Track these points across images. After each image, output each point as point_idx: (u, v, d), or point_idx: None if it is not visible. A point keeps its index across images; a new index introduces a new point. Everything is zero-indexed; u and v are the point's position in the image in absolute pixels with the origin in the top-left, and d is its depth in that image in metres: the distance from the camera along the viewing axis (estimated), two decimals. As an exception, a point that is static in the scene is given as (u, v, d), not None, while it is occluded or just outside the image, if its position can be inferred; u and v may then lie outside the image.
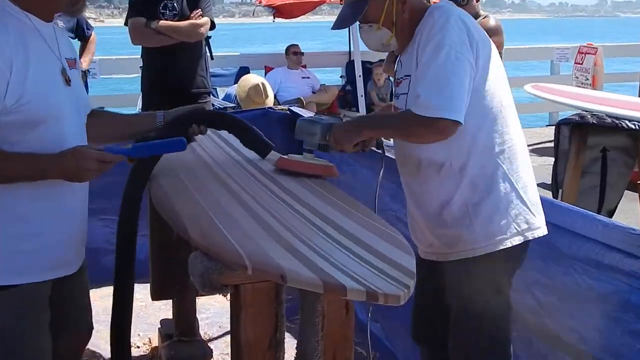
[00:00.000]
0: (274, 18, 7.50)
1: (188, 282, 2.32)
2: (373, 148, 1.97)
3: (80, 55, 4.41)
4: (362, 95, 6.38)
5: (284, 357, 1.43)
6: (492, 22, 3.98)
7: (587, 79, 6.92)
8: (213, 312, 3.09)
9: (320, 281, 1.20)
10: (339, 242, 1.39)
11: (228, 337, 2.40)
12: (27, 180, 1.50)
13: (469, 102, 1.66)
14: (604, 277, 1.77)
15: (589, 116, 3.72)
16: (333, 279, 1.21)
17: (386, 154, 1.94)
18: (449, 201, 1.75)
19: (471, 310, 1.75)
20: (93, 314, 1.83)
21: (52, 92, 1.53)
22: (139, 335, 2.85)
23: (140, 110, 5.00)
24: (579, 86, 6.72)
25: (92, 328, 1.81)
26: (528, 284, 1.98)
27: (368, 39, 1.85)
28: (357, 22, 1.81)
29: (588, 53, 7.00)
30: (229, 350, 2.02)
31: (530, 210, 1.77)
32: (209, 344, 2.57)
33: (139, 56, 3.73)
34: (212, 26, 3.56)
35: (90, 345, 2.37)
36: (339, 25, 1.80)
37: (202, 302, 2.85)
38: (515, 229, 1.74)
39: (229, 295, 1.43)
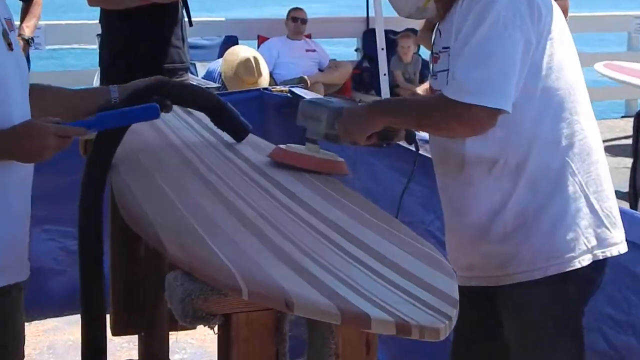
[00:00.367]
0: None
1: (160, 311, 2.38)
2: (402, 142, 1.98)
3: (22, 20, 4.43)
4: (384, 74, 6.38)
5: (286, 408, 1.44)
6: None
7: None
8: (191, 353, 3.10)
9: (336, 309, 1.20)
10: (358, 259, 1.40)
11: (210, 385, 2.42)
12: None
13: (527, 83, 1.67)
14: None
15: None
16: (353, 307, 1.21)
17: (420, 150, 1.95)
18: (502, 208, 1.76)
19: (529, 351, 1.76)
20: (36, 352, 1.84)
21: None
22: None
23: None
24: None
25: None
26: (597, 320, 1.99)
27: (398, 2, 1.86)
28: None
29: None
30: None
31: (604, 222, 1.77)
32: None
33: (97, 21, 3.75)
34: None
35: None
36: None
37: (176, 338, 2.85)
38: (585, 244, 1.75)
39: (216, 328, 1.44)
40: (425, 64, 7.38)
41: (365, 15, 7.52)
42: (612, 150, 6.14)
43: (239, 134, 2.16)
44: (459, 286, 1.87)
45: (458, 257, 1.89)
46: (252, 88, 5.02)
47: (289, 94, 4.07)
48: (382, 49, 6.50)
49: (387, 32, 6.80)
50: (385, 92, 6.07)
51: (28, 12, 4.59)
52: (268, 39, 7.07)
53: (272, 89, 4.18)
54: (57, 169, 2.34)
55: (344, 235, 1.51)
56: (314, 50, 7.08)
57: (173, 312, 1.40)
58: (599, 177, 1.79)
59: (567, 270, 1.74)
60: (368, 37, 7.33)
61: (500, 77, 1.63)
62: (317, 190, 1.82)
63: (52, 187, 2.15)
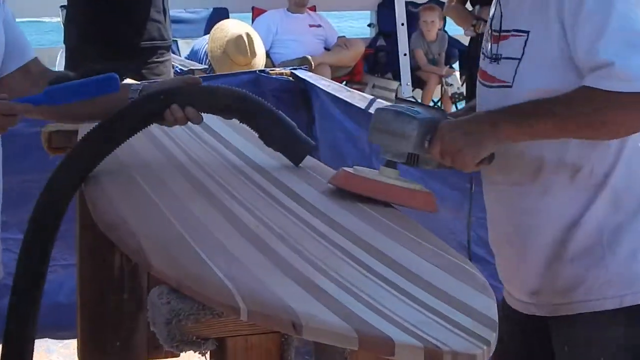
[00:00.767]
0: None
1: (138, 333, 2.39)
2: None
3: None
4: (405, 54, 6.39)
5: None
6: None
7: None
8: (172, 386, 3.10)
9: (353, 332, 1.21)
10: (379, 274, 1.40)
11: None
12: None
13: None
14: None
15: None
16: (373, 329, 1.21)
17: None
18: (577, 222, 1.77)
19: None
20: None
21: None
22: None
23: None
24: None
25: None
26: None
27: None
28: None
29: None
30: None
31: None
32: None
33: (62, -11, 3.77)
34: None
35: None
36: None
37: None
38: None
39: (208, 355, 1.44)
40: (452, 42, 7.41)
41: (380, -17, 7.55)
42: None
43: (295, 154, 1.99)
44: (511, 311, 1.91)
45: (518, 281, 1.90)
46: (245, 70, 5.04)
47: (290, 78, 4.09)
48: (402, 24, 6.50)
49: (407, 3, 6.82)
50: (406, 76, 6.07)
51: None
52: (265, 11, 7.10)
53: (270, 72, 4.20)
54: (17, 166, 2.35)
55: (361, 246, 1.52)
56: (320, 26, 7.10)
57: (157, 335, 1.41)
58: None
59: None
60: (384, 10, 7.36)
61: None
62: (327, 193, 1.83)
63: (9, 188, 2.15)
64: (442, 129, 1.75)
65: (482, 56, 1.89)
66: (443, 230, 2.60)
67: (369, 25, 7.82)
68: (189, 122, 1.93)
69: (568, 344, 1.82)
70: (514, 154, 1.81)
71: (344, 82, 6.73)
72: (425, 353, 1.18)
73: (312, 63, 6.55)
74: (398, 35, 6.43)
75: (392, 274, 1.41)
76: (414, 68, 6.84)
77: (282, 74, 4.11)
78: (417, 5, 7.15)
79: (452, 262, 1.49)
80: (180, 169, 1.97)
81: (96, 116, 1.92)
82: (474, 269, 1.48)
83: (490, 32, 1.86)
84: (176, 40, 6.47)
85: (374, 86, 7.19)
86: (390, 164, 1.82)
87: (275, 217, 1.65)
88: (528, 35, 1.74)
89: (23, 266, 1.86)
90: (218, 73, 5.37)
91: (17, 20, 2.08)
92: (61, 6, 3.80)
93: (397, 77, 6.80)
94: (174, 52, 5.76)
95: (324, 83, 4.08)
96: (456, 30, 6.53)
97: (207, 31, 6.57)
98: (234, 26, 6.24)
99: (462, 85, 7.09)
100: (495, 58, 1.82)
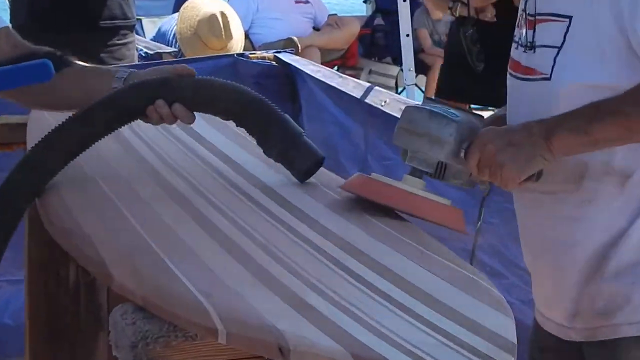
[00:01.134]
0: None
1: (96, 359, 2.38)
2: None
3: None
4: (407, 35, 6.38)
5: None
6: None
7: None
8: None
9: (349, 356, 1.21)
10: (378, 290, 1.41)
11: None
12: None
13: None
14: None
15: None
16: (372, 353, 1.22)
17: None
18: (624, 234, 1.79)
19: None
20: None
21: None
22: None
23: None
24: None
25: None
26: None
27: None
28: None
29: None
30: None
31: None
32: None
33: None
34: None
35: None
36: None
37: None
38: None
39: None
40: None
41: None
42: None
43: (301, 166, 1.91)
44: (547, 337, 1.92)
45: (554, 301, 1.91)
46: (219, 54, 5.04)
47: (273, 62, 4.10)
48: (404, 0, 6.50)
49: (408, -24, 6.82)
50: (408, 60, 6.07)
51: None
52: (243, -14, 7.10)
53: (250, 55, 4.21)
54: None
55: (358, 257, 1.53)
56: (307, 2, 7.12)
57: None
58: None
59: None
60: (382, -17, 7.37)
61: None
62: (319, 198, 1.83)
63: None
64: (483, 137, 1.73)
65: (514, 45, 1.89)
66: (449, 239, 2.62)
67: (364, 2, 7.84)
68: (178, 122, 1.89)
69: None
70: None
71: (336, 67, 6.76)
72: (432, 380, 1.20)
73: (299, 45, 6.57)
74: (399, 12, 6.42)
75: (393, 288, 1.41)
76: (418, 51, 6.85)
77: (263, 58, 4.12)
78: (419, -21, 7.19)
79: (462, 275, 1.50)
80: (149, 171, 1.98)
81: (72, 106, 1.91)
82: (489, 283, 1.49)
83: (524, 16, 1.86)
84: (140, 19, 6.48)
85: (370, 72, 7.22)
86: (416, 173, 1.79)
87: (257, 223, 1.66)
88: (570, 21, 1.74)
89: None
90: (188, 57, 5.36)
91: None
92: (6, -21, 3.80)
93: (397, 61, 6.82)
94: (137, 33, 5.77)
95: (312, 68, 4.09)
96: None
97: (175, 9, 6.58)
98: (206, 3, 6.25)
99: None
100: (531, 46, 1.82)
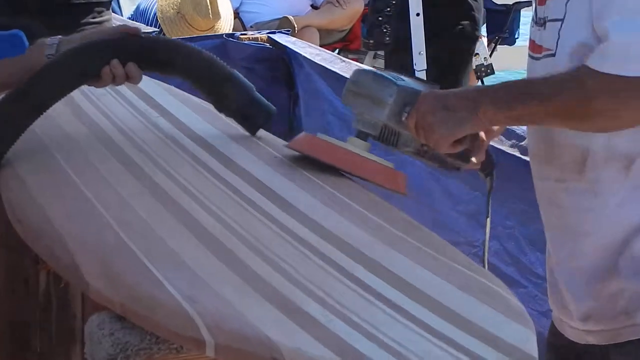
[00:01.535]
0: None
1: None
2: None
3: None
4: (418, 15, 6.34)
5: None
6: None
7: None
8: None
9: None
10: (382, 296, 1.42)
11: None
12: None
13: None
14: None
15: None
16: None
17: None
18: (637, 228, 1.81)
19: None
20: None
21: None
22: None
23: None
24: None
25: None
26: None
27: None
28: None
29: None
30: None
31: None
32: None
33: None
34: None
35: None
36: None
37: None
38: None
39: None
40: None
41: None
42: None
43: (255, 121, 2.14)
44: (565, 343, 1.95)
45: (570, 302, 1.93)
46: (206, 35, 5.05)
47: (266, 44, 4.10)
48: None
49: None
50: (419, 43, 6.04)
51: None
52: (233, -41, 7.09)
53: (241, 36, 4.21)
54: None
55: (359, 260, 1.54)
56: (305, -23, 7.11)
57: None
58: None
59: None
60: (389, -44, 7.35)
61: None
62: (314, 191, 1.85)
63: None
64: (421, 100, 1.85)
65: (531, 23, 1.93)
66: (458, 238, 2.63)
67: (368, -23, 7.82)
68: (126, 82, 2.01)
69: None
70: (558, 141, 1.85)
71: (337, 51, 6.74)
72: (442, 397, 1.22)
73: (295, 25, 6.55)
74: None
75: (400, 296, 1.42)
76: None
77: (256, 39, 4.13)
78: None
79: (476, 281, 1.51)
80: (113, 149, 2.00)
81: (8, 85, 1.96)
82: (507, 291, 1.49)
83: None
84: (118, -4, 6.48)
85: (375, 56, 7.19)
86: (361, 135, 1.96)
87: (246, 220, 1.66)
88: None
89: None
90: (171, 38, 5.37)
91: None
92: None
93: (409, 46, 6.77)
94: (114, 11, 5.76)
95: (310, 51, 4.09)
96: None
97: (155, -16, 6.57)
98: (191, -22, 6.24)
99: (490, 55, 7.10)
100: (543, 23, 1.86)
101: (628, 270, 1.82)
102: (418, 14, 5.82)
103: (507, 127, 2.71)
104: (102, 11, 3.72)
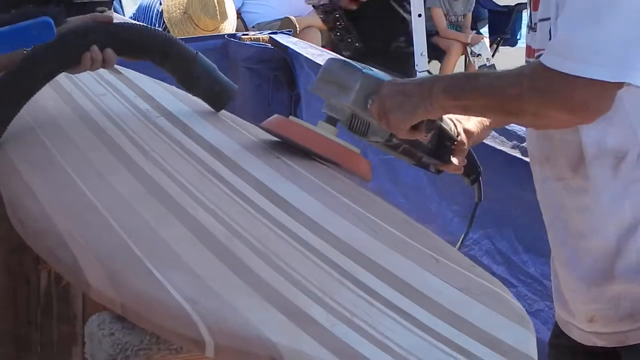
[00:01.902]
0: None
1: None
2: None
3: None
4: (419, 15, 6.37)
5: None
6: None
7: None
8: None
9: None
10: (384, 299, 1.42)
11: None
12: None
13: None
14: None
15: None
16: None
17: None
18: (634, 229, 1.81)
19: None
20: None
21: None
22: None
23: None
24: None
25: None
26: None
27: None
28: None
29: None
30: None
31: None
32: None
33: None
34: None
35: None
36: None
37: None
38: None
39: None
40: (480, 2, 7.43)
41: None
42: None
43: (218, 99, 2.30)
44: (574, 344, 1.95)
45: (574, 303, 1.94)
46: (210, 35, 5.05)
47: (268, 44, 4.10)
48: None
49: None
50: (420, 44, 6.06)
51: None
52: (236, -41, 7.10)
53: (243, 37, 4.22)
54: None
55: (359, 261, 1.54)
56: (307, -23, 7.10)
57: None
58: None
59: None
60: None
61: (624, 36, 1.64)
62: (313, 191, 1.85)
63: None
64: (383, 87, 1.90)
65: (526, 30, 1.96)
66: (452, 239, 2.63)
67: (371, -23, 7.82)
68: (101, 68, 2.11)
69: None
70: (555, 139, 1.86)
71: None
72: (442, 399, 1.22)
73: (297, 26, 6.54)
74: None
75: (401, 298, 1.42)
76: (431, 33, 6.83)
77: (257, 39, 4.13)
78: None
79: (477, 283, 1.51)
80: (116, 151, 2.00)
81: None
82: (508, 293, 1.50)
83: None
84: (121, -6, 6.48)
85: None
86: (330, 120, 2.05)
87: (247, 221, 1.66)
88: None
89: None
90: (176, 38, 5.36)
91: None
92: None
93: (409, 44, 6.76)
94: (116, 11, 5.77)
95: (312, 52, 4.09)
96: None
97: (157, -17, 6.57)
98: (196, -21, 6.23)
99: (492, 56, 7.11)
100: (534, 25, 1.88)
101: (627, 273, 1.83)
102: (420, 15, 5.83)
103: (506, 127, 2.74)
104: (103, 10, 3.73)
